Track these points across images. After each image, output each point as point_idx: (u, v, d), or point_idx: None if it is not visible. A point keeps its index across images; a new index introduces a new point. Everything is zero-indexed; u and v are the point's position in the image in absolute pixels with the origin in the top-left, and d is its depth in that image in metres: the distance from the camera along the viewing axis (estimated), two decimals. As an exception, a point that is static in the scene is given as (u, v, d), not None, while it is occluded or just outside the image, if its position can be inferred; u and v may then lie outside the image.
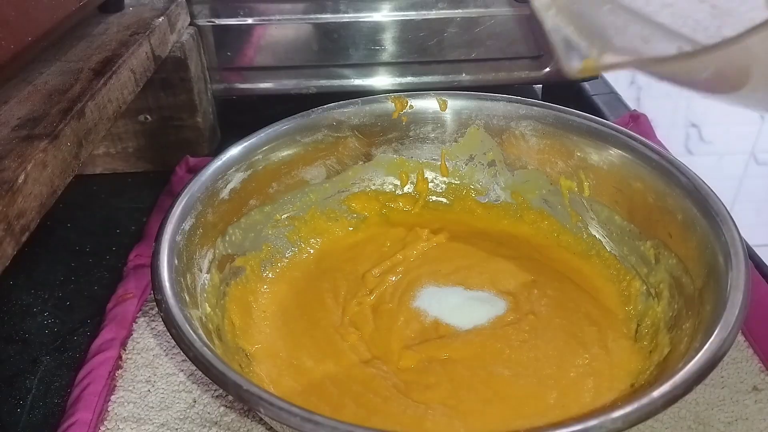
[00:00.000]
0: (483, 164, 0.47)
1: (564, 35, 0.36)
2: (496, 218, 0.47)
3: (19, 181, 0.29)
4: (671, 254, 0.37)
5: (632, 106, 0.64)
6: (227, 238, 0.40)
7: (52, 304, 0.43)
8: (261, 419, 0.34)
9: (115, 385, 0.36)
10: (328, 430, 0.25)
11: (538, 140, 0.45)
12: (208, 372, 0.27)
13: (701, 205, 0.35)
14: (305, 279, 0.43)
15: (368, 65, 0.60)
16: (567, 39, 0.36)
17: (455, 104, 0.46)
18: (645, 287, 0.39)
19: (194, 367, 0.31)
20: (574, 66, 0.35)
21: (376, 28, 0.58)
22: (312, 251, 0.45)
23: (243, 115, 0.62)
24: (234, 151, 0.41)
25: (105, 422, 0.34)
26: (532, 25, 0.57)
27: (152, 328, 0.40)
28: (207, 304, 0.35)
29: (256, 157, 0.42)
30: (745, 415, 0.34)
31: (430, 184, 0.48)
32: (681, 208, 0.36)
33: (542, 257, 0.44)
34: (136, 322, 0.40)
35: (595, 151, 0.42)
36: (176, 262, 0.33)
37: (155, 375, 0.37)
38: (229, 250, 0.40)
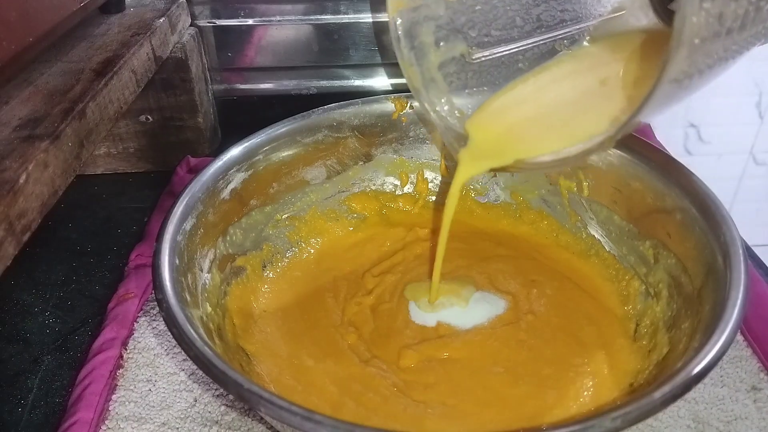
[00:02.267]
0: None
1: (447, 124, 0.38)
2: (496, 218, 0.47)
3: (21, 181, 0.29)
4: (670, 254, 0.37)
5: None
6: (228, 238, 0.40)
7: (53, 304, 0.43)
8: (261, 418, 0.34)
9: (116, 385, 0.36)
10: (328, 429, 0.25)
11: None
12: (209, 371, 0.27)
13: (700, 205, 0.35)
14: (305, 279, 0.43)
15: (368, 66, 0.60)
16: (449, 128, 0.38)
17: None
18: (644, 287, 0.39)
19: (195, 367, 0.31)
20: (457, 153, 0.38)
21: (376, 29, 0.58)
22: (312, 251, 0.45)
23: (243, 116, 0.62)
24: (235, 151, 0.41)
25: (106, 421, 0.34)
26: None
27: (153, 328, 0.40)
28: (208, 304, 0.35)
29: (257, 158, 0.42)
30: (744, 414, 0.34)
31: (430, 184, 0.48)
32: (680, 208, 0.37)
33: (541, 257, 0.44)
34: (137, 322, 0.40)
35: (594, 151, 0.42)
36: (177, 261, 0.33)
37: (156, 374, 0.37)
38: (230, 250, 0.40)
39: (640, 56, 0.38)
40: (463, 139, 0.39)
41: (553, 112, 0.38)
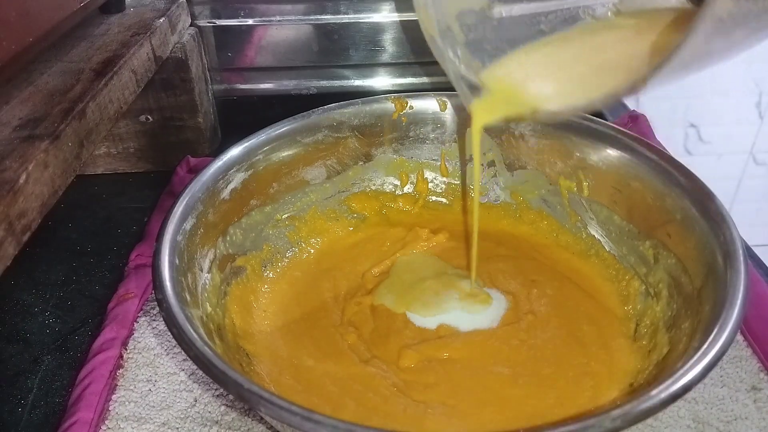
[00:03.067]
0: (483, 164, 0.47)
1: (460, 73, 0.37)
2: (496, 218, 0.47)
3: (21, 181, 0.29)
4: (670, 254, 0.37)
5: (631, 106, 0.65)
6: (228, 238, 0.40)
7: (53, 304, 0.44)
8: (261, 418, 0.34)
9: (116, 385, 0.36)
10: (328, 429, 0.25)
11: (538, 141, 0.45)
12: (209, 371, 0.27)
13: (700, 205, 0.35)
14: (305, 279, 0.43)
15: (368, 66, 0.60)
16: (462, 77, 0.37)
17: (455, 104, 0.46)
18: (644, 287, 0.39)
19: (195, 367, 0.31)
20: (470, 103, 0.37)
21: (376, 29, 0.58)
22: (312, 251, 0.45)
23: (244, 116, 0.62)
24: (235, 151, 0.41)
25: (106, 421, 0.34)
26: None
27: (153, 328, 0.40)
28: (208, 304, 0.35)
29: (257, 158, 0.42)
30: (743, 414, 0.34)
31: (430, 184, 0.48)
32: (680, 208, 0.37)
33: (541, 257, 0.44)
34: (137, 322, 0.40)
35: (594, 151, 0.42)
36: (177, 261, 0.34)
37: (156, 374, 0.37)
38: (230, 250, 0.40)
39: (665, 38, 0.37)
40: (476, 89, 0.38)
41: (572, 68, 0.36)
